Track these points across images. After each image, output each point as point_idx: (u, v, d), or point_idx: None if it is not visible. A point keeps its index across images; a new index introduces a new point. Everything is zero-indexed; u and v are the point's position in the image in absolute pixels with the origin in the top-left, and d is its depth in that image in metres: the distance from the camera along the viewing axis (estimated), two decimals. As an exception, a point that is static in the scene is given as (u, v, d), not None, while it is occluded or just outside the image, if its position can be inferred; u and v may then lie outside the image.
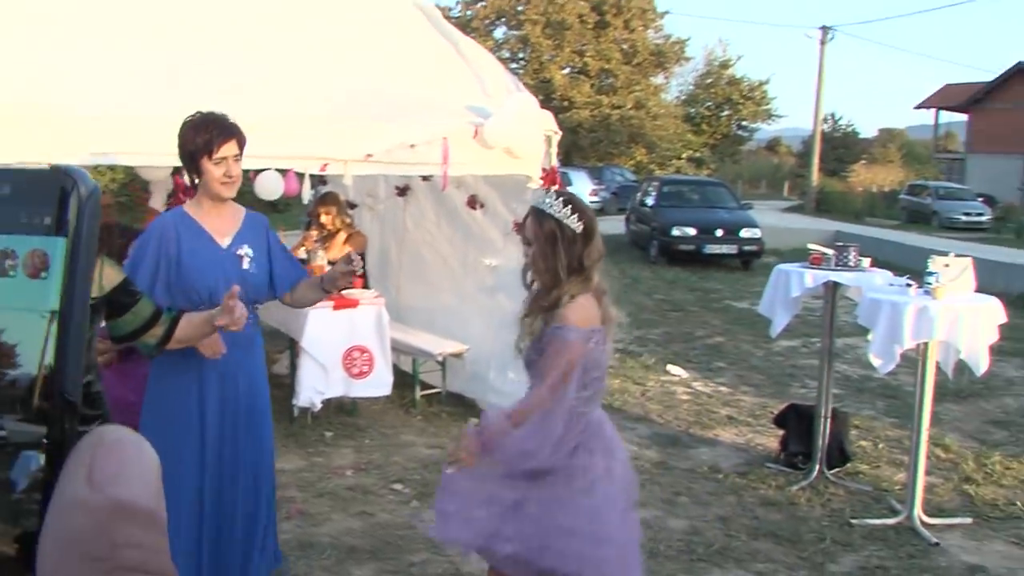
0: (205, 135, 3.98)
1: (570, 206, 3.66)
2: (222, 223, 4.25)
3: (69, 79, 5.31)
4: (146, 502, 0.78)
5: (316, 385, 7.37)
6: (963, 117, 56.67)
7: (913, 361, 6.88)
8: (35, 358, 0.78)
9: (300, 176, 6.14)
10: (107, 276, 3.45)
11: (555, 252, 3.62)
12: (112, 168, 20.50)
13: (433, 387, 8.69)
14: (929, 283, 5.95)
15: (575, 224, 3.64)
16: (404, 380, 8.57)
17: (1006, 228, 31.68)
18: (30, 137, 4.94)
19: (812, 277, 6.63)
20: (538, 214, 3.70)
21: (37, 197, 0.79)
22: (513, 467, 3.66)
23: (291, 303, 4.53)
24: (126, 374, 4.86)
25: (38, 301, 0.78)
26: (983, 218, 34.53)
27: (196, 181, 4.15)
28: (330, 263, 7.94)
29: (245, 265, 4.22)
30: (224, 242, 4.22)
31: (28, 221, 0.78)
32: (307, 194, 6.25)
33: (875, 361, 6.04)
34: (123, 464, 0.79)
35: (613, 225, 27.00)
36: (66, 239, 0.77)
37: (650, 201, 23.28)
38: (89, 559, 0.76)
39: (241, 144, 4.10)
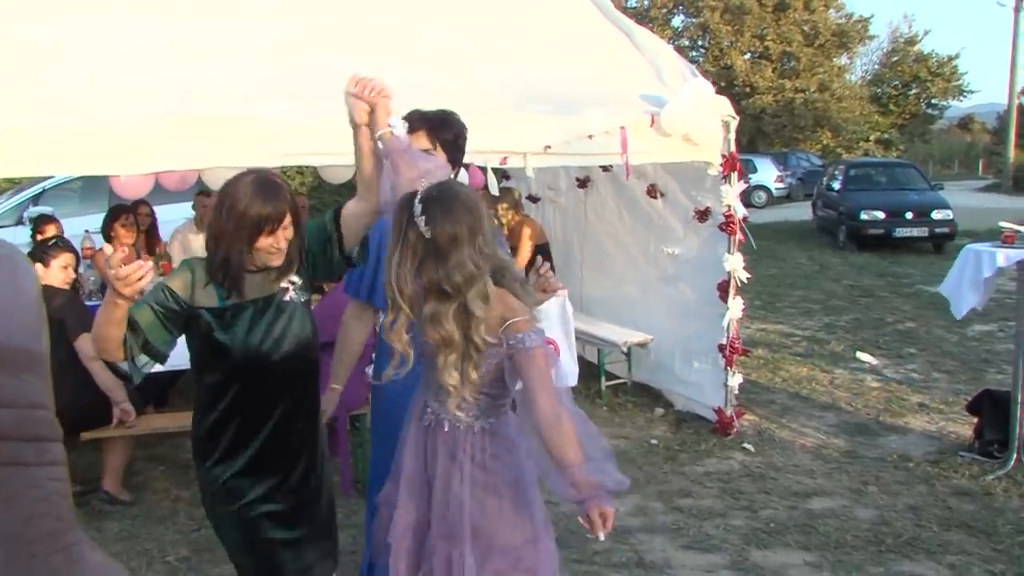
0: None
1: (420, 196, 2.78)
2: None
3: (251, 92, 5.62)
4: (20, 340, 0.69)
5: (503, 378, 7.44)
6: None
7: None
8: None
9: (482, 170, 6.28)
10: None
11: (402, 258, 2.76)
12: (301, 172, 21.31)
13: (618, 377, 8.77)
14: None
15: (423, 227, 2.69)
16: (590, 371, 8.65)
17: None
18: (232, 143, 5.31)
19: (1004, 256, 6.32)
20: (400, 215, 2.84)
21: None
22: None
23: None
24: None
25: None
26: None
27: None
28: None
29: None
30: None
31: None
32: (493, 187, 6.36)
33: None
34: None
35: (800, 212, 26.61)
36: None
37: (837, 185, 22.77)
38: None
39: (433, 138, 3.75)
